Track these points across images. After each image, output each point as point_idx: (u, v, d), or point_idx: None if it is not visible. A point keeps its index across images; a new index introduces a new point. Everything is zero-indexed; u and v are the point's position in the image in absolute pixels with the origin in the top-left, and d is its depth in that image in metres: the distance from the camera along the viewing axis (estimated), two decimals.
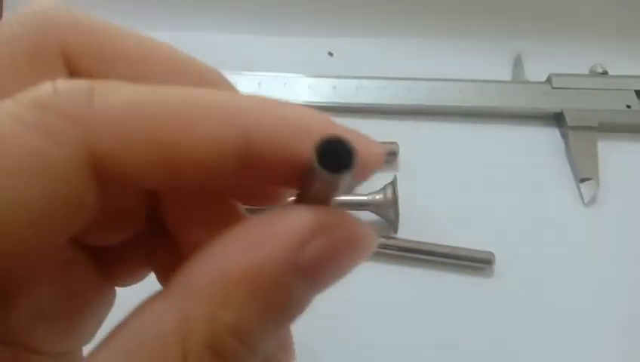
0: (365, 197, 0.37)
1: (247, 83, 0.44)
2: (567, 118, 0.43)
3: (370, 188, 0.38)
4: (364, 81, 0.44)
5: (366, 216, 0.38)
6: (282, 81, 0.44)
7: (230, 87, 0.18)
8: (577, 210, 0.40)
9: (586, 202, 0.40)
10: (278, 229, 0.13)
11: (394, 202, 0.36)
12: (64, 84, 0.13)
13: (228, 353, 0.13)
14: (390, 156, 0.41)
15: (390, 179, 0.37)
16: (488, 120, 0.44)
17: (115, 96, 0.13)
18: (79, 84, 0.13)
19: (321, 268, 0.14)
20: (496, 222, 0.39)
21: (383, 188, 0.37)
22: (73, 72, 0.16)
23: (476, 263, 0.37)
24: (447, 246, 0.37)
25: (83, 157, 0.13)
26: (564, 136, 0.43)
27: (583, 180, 0.41)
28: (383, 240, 0.37)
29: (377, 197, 0.37)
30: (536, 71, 0.46)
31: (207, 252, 0.14)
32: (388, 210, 0.36)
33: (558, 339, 0.35)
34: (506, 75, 0.46)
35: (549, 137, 0.44)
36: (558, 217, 0.40)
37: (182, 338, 0.13)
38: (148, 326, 0.13)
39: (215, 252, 0.13)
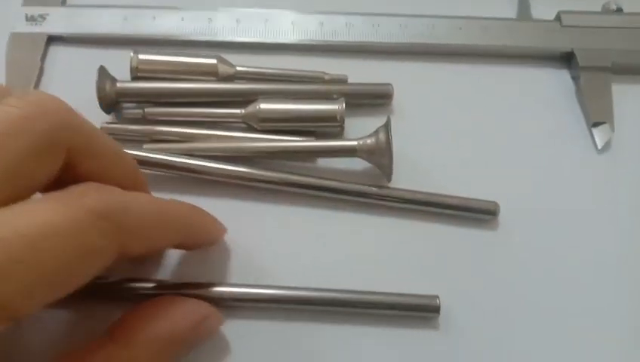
0: (355, 142, 0.33)
1: (225, 20, 0.39)
2: (578, 58, 0.39)
3: (360, 131, 0.34)
4: (355, 18, 0.40)
5: (355, 163, 0.34)
6: (263, 18, 0.40)
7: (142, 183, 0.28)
8: (590, 157, 0.36)
9: (599, 148, 0.36)
10: (186, 313, 0.26)
11: (387, 147, 0.32)
12: (116, 199, 0.22)
13: None
14: (384, 99, 0.37)
15: (383, 122, 0.33)
16: (491, 61, 0.40)
17: (135, 214, 0.23)
18: (123, 199, 0.23)
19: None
20: (500, 171, 0.35)
21: (375, 132, 0.33)
22: (66, 163, 0.22)
23: (479, 214, 0.33)
24: (446, 196, 0.33)
25: (117, 248, 0.22)
26: (575, 78, 0.39)
27: (596, 124, 0.37)
28: (375, 190, 0.33)
29: (368, 141, 0.33)
30: (543, 8, 0.41)
31: (147, 318, 0.25)
32: (380, 156, 0.32)
33: (569, 296, 0.32)
34: (510, 11, 0.42)
35: (558, 79, 0.40)
36: (568, 165, 0.36)
37: None
38: None
39: (151, 320, 0.25)
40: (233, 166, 0.33)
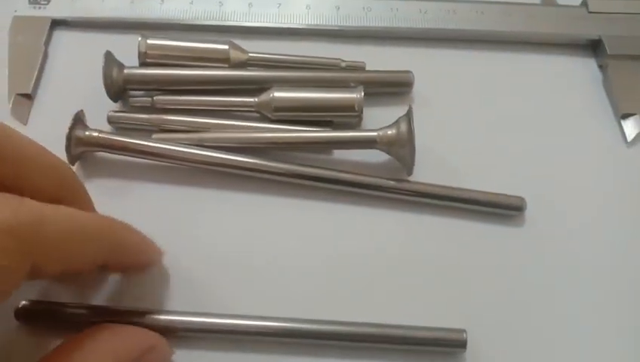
0: (374, 133, 0.31)
1: (236, 3, 0.38)
2: (606, 46, 0.37)
3: (380, 122, 0.32)
4: (373, 1, 0.38)
5: (374, 155, 0.32)
6: (276, 1, 0.38)
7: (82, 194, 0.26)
8: (619, 150, 0.34)
9: (629, 141, 0.34)
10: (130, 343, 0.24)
11: (409, 139, 0.30)
12: (24, 214, 0.19)
13: None
14: (404, 87, 0.35)
15: (404, 112, 0.31)
16: (514, 48, 0.38)
17: (49, 228, 0.20)
18: (33, 214, 0.20)
19: None
20: (525, 164, 0.34)
21: (396, 122, 0.31)
22: None
23: (504, 210, 0.31)
24: (471, 191, 0.31)
25: (27, 267, 0.20)
26: (603, 67, 0.37)
27: (625, 116, 0.35)
28: (394, 183, 0.31)
29: (389, 132, 0.31)
30: None
31: (81, 356, 0.22)
32: (401, 148, 0.31)
33: (598, 294, 0.30)
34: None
35: (584, 68, 0.38)
36: (596, 158, 0.34)
37: None
38: None
39: (85, 357, 0.22)
40: (245, 157, 0.31)
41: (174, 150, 0.31)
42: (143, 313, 0.27)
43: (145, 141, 0.31)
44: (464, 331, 0.27)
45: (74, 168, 0.32)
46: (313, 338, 0.27)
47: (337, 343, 0.27)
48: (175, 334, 0.27)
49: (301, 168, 0.31)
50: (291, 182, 0.32)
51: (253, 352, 0.27)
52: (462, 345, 0.27)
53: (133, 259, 0.27)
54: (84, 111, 0.32)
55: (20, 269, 0.19)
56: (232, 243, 0.30)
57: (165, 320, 0.27)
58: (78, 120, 0.31)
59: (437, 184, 0.32)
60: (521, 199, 0.31)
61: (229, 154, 0.31)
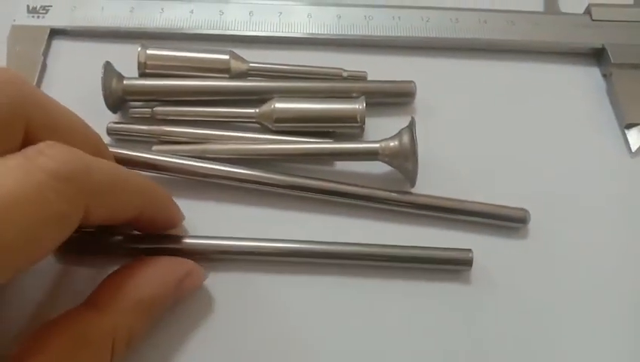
0: (377, 145, 0.31)
1: (237, 12, 0.37)
2: (610, 54, 0.37)
3: (382, 133, 0.32)
4: (374, 10, 0.38)
5: (376, 167, 0.32)
6: (277, 10, 0.37)
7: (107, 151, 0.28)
8: (623, 160, 0.34)
9: (633, 151, 0.34)
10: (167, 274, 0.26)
11: (411, 150, 0.30)
12: (78, 161, 0.21)
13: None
14: (406, 97, 0.35)
15: (406, 123, 0.31)
16: (517, 57, 0.38)
17: (98, 176, 0.22)
18: (85, 161, 0.21)
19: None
20: (528, 175, 0.33)
21: (399, 134, 0.31)
22: (26, 138, 0.22)
23: (508, 222, 0.31)
24: (474, 203, 0.31)
25: (82, 213, 0.21)
26: (607, 76, 0.37)
27: (629, 126, 0.35)
28: (396, 196, 0.31)
29: (391, 144, 0.31)
30: (573, 1, 0.39)
31: (127, 283, 0.25)
32: (404, 160, 0.31)
33: (604, 307, 0.30)
34: (537, 4, 0.40)
35: (587, 77, 0.38)
36: (600, 169, 0.34)
37: (112, 342, 0.23)
38: (86, 330, 0.23)
39: (131, 285, 0.25)
40: (246, 169, 0.31)
41: (174, 163, 0.30)
42: (179, 238, 0.29)
43: (144, 153, 0.30)
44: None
45: None
46: (335, 258, 0.30)
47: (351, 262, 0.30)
48: (208, 257, 0.29)
49: (299, 180, 0.31)
50: (289, 193, 0.31)
51: (274, 272, 0.30)
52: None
53: (163, 215, 0.28)
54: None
55: (76, 213, 0.21)
56: None
57: (198, 243, 0.29)
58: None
59: (439, 196, 0.31)
60: (525, 211, 0.31)
61: (230, 167, 0.31)
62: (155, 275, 0.26)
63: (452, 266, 0.30)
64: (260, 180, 0.31)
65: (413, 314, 0.29)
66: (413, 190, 0.32)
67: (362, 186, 0.31)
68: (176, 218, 0.29)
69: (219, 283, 0.29)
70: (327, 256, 0.29)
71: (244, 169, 0.31)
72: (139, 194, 0.26)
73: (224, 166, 0.31)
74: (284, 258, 0.29)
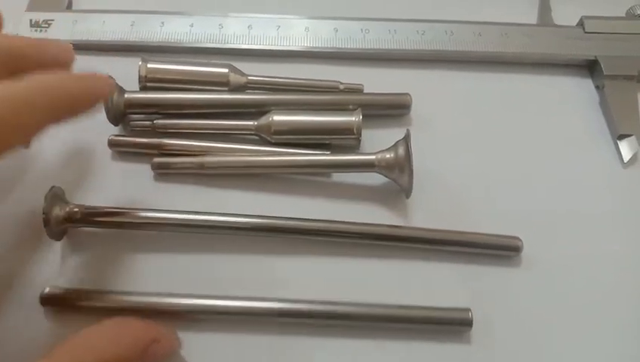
0: (373, 157, 0.32)
1: (236, 26, 0.38)
2: (602, 66, 0.37)
3: (378, 144, 0.33)
4: (371, 23, 0.38)
5: (374, 178, 0.33)
6: (275, 24, 0.38)
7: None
8: (616, 172, 0.35)
9: (625, 162, 0.35)
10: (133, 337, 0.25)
11: (407, 162, 0.31)
12: None
13: None
14: (402, 109, 0.36)
15: (402, 134, 0.32)
16: (511, 68, 0.38)
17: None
18: None
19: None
20: (522, 187, 0.34)
21: (394, 146, 0.32)
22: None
23: (502, 251, 0.31)
24: (466, 233, 0.31)
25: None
26: (599, 87, 0.38)
27: (621, 137, 0.35)
28: (385, 230, 0.31)
29: (387, 156, 0.31)
30: (566, 12, 0.40)
31: (88, 341, 0.25)
32: (400, 171, 0.31)
33: (603, 329, 0.30)
34: (531, 17, 0.41)
35: (580, 88, 0.38)
36: (593, 180, 0.34)
37: None
38: None
39: (92, 344, 0.25)
40: (226, 217, 0.30)
41: (160, 218, 0.30)
42: (155, 300, 0.29)
43: (129, 211, 0.30)
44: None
45: (59, 244, 0.31)
46: (324, 319, 0.29)
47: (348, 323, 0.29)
48: (187, 318, 0.29)
49: (278, 222, 0.31)
50: (274, 236, 0.31)
51: (259, 333, 0.29)
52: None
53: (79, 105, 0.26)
54: (85, 133, 0.33)
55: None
56: None
57: (178, 303, 0.29)
58: (55, 197, 0.30)
59: (429, 228, 0.31)
60: (518, 240, 0.31)
61: (210, 216, 0.30)
62: (119, 337, 0.25)
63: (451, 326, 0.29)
64: (243, 226, 0.30)
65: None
66: (408, 201, 0.32)
67: (351, 223, 0.31)
68: (99, 94, 0.27)
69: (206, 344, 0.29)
70: (317, 316, 0.29)
71: (222, 216, 0.30)
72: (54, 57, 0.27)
73: (201, 216, 0.30)
74: (274, 318, 0.29)
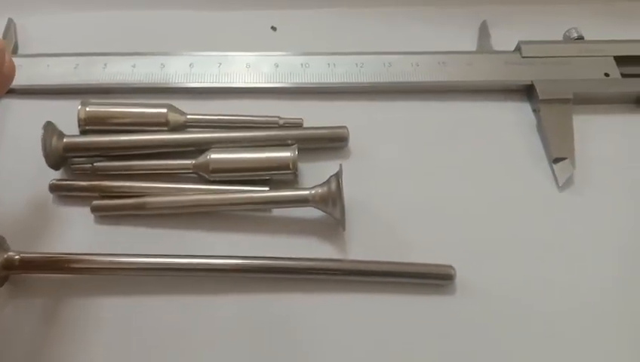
0: (307, 192, 0.32)
1: (178, 64, 0.39)
2: (538, 90, 0.38)
3: (316, 175, 0.33)
4: (310, 58, 0.39)
5: (310, 212, 0.33)
6: (217, 61, 0.39)
7: None
8: (552, 195, 0.35)
9: (560, 185, 0.35)
10: None
11: (339, 197, 0.31)
12: None
13: None
14: (340, 142, 0.36)
15: (339, 166, 0.32)
16: (450, 96, 0.39)
17: None
18: None
19: None
20: (459, 215, 0.34)
21: (327, 181, 0.32)
22: None
23: (435, 280, 0.32)
24: (400, 264, 0.32)
25: None
26: (536, 111, 0.38)
27: (556, 160, 0.36)
28: (320, 264, 0.32)
29: (320, 191, 0.32)
30: (504, 38, 0.41)
31: None
32: (332, 206, 0.32)
33: (540, 357, 0.30)
34: (470, 45, 0.41)
35: (519, 113, 0.39)
36: (529, 205, 0.35)
37: None
38: None
39: None
40: (164, 259, 0.31)
41: (100, 261, 0.31)
42: None
43: (69, 257, 0.31)
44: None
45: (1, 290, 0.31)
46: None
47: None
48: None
49: (218, 261, 0.31)
50: (217, 276, 0.32)
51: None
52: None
53: None
54: (26, 178, 0.34)
55: None
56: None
57: None
58: None
59: (361, 260, 0.32)
60: (451, 268, 0.31)
61: (148, 258, 0.31)
62: None
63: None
64: (179, 267, 0.31)
65: None
66: (340, 251, 0.33)
67: (286, 259, 0.31)
68: None
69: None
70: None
71: (157, 258, 0.31)
72: None
73: (137, 258, 0.31)
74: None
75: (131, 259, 0.31)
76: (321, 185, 0.32)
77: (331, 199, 0.32)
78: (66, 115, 0.35)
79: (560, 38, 0.42)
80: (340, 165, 0.32)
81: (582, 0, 0.44)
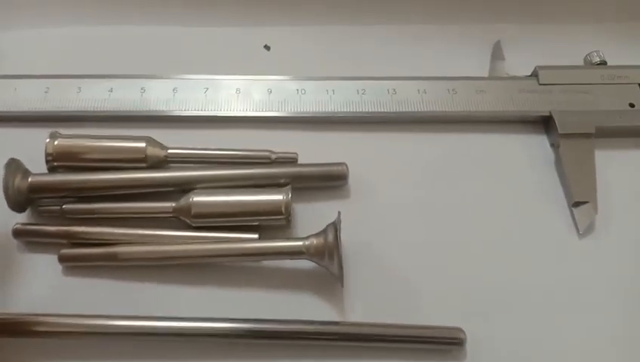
0: (300, 243, 0.29)
1: (160, 89, 0.35)
2: (557, 124, 0.34)
3: (312, 219, 0.30)
4: (307, 83, 0.35)
5: (304, 262, 0.30)
6: (203, 86, 0.35)
7: None
8: (571, 242, 0.32)
9: (581, 232, 0.32)
10: None
11: (336, 250, 0.28)
12: None
13: None
14: (338, 181, 0.33)
15: (338, 207, 0.29)
16: (460, 127, 0.36)
17: None
18: None
19: None
20: (469, 261, 0.31)
21: (324, 231, 0.29)
22: None
23: (443, 345, 0.28)
24: (406, 327, 0.28)
25: None
26: (555, 145, 0.35)
27: (577, 204, 0.33)
28: (322, 328, 0.28)
29: (315, 242, 0.29)
30: (519, 63, 0.37)
31: None
32: (329, 259, 0.28)
33: None
34: (482, 69, 0.38)
35: (535, 146, 0.35)
36: (546, 254, 0.31)
37: None
38: None
39: None
40: (138, 321, 0.28)
41: (64, 324, 0.27)
42: None
43: (28, 318, 0.28)
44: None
45: None
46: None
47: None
48: None
49: (200, 325, 0.28)
50: (197, 341, 0.28)
51: None
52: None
53: None
54: None
55: None
56: None
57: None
58: None
59: (366, 323, 0.29)
60: (460, 331, 0.28)
61: (120, 321, 0.28)
62: None
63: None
64: (155, 331, 0.28)
65: None
66: (337, 309, 0.29)
67: (277, 322, 0.28)
68: None
69: None
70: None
71: (127, 321, 0.28)
72: None
73: (103, 320, 0.28)
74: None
75: (101, 322, 0.27)
76: (316, 235, 0.29)
77: (328, 252, 0.28)
78: (35, 146, 0.32)
79: (580, 61, 0.38)
80: (339, 213, 0.29)
81: (604, 19, 0.40)
